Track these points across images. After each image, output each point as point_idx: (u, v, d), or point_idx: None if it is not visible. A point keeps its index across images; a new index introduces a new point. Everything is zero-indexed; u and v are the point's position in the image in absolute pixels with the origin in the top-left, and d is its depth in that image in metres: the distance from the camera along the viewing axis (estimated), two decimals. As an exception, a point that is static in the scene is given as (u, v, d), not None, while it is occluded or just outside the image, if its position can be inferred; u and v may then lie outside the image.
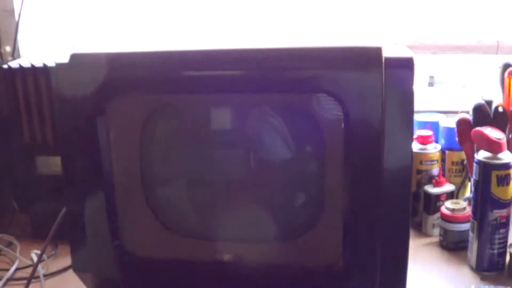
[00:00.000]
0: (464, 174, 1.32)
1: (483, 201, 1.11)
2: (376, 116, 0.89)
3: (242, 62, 0.94)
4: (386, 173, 0.92)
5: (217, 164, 1.02)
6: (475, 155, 1.12)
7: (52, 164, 1.37)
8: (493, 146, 1.10)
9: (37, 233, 1.35)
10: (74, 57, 0.97)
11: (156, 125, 1.01)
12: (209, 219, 1.03)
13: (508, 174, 1.09)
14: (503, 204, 1.10)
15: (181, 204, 1.06)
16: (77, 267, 1.07)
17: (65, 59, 0.99)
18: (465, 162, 1.29)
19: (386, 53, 0.90)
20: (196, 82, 0.95)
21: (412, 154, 0.93)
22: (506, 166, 1.09)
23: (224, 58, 0.95)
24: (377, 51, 0.89)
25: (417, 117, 1.38)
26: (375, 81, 0.88)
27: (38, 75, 1.33)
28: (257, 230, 1.02)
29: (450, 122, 1.33)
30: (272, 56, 0.93)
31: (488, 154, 1.10)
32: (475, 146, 1.17)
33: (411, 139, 0.93)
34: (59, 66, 0.99)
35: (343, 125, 0.92)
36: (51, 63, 1.31)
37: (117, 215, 1.03)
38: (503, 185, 1.09)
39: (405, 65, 0.89)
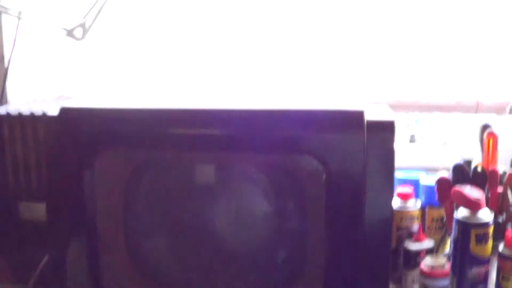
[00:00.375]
0: (444, 230, 1.34)
1: (462, 258, 1.13)
2: (358, 175, 0.92)
3: (225, 122, 0.96)
4: (367, 229, 0.94)
5: (199, 218, 1.04)
6: (455, 214, 1.14)
7: (35, 210, 1.37)
8: (472, 205, 1.12)
9: (17, 280, 1.35)
10: (63, 110, 0.99)
11: (140, 179, 1.03)
12: (190, 273, 1.04)
13: (487, 233, 1.11)
14: (481, 262, 1.12)
15: (163, 257, 1.07)
16: (58, 317, 1.07)
17: (54, 112, 1.01)
18: (444, 220, 1.30)
19: (368, 116, 0.92)
20: (181, 140, 0.98)
21: (392, 212, 0.96)
22: (484, 225, 1.11)
23: (207, 117, 0.98)
24: (359, 114, 0.91)
25: (397, 174, 1.40)
26: (357, 143, 0.91)
27: (25, 122, 1.34)
28: (239, 285, 1.03)
29: (430, 179, 1.35)
30: (255, 117, 0.96)
31: (467, 213, 1.12)
32: (455, 204, 1.19)
33: (391, 197, 0.95)
34: (48, 118, 1.01)
35: (324, 184, 0.94)
36: (38, 112, 1.33)
37: (99, 266, 1.04)
38: (481, 244, 1.11)
39: (387, 128, 0.92)
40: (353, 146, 0.91)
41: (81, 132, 0.98)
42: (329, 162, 0.92)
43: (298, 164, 0.95)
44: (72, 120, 0.98)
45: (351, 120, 0.92)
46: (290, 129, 0.94)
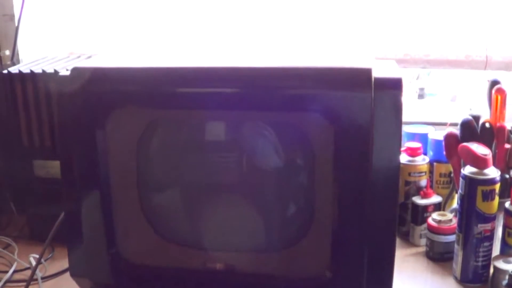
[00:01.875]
0: (451, 186, 1.36)
1: (469, 215, 1.14)
2: (365, 132, 0.93)
3: (235, 81, 0.97)
4: (374, 184, 0.95)
5: (210, 174, 1.05)
6: (462, 170, 1.15)
7: (49, 168, 1.40)
8: (479, 162, 1.13)
9: (35, 235, 1.39)
10: (74, 71, 1.00)
11: (152, 137, 1.04)
12: (202, 228, 1.06)
13: (493, 189, 1.12)
14: (488, 218, 1.14)
15: (175, 213, 1.09)
16: (74, 273, 1.10)
17: (64, 70, 1.02)
18: (452, 175, 1.32)
19: (376, 73, 0.93)
20: (190, 98, 0.98)
21: (399, 168, 0.97)
22: (491, 181, 1.12)
23: (217, 75, 0.99)
24: (367, 72, 0.92)
25: (406, 129, 1.42)
26: (365, 101, 0.91)
27: (37, 81, 1.36)
28: (249, 240, 1.06)
29: (438, 134, 1.36)
30: (264, 75, 0.97)
31: (474, 169, 1.14)
32: (462, 160, 1.20)
33: (398, 154, 0.96)
34: (60, 78, 1.02)
35: (332, 140, 0.95)
36: (49, 70, 1.34)
37: (113, 223, 1.06)
38: (488, 200, 1.12)
39: (394, 86, 0.93)
40: (360, 104, 0.91)
41: (92, 91, 0.99)
42: (336, 119, 0.92)
43: (306, 121, 0.96)
44: (84, 79, 0.99)
45: (358, 78, 0.92)
46: (298, 86, 0.95)
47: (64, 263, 1.19)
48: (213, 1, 1.61)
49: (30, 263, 1.26)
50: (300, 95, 0.95)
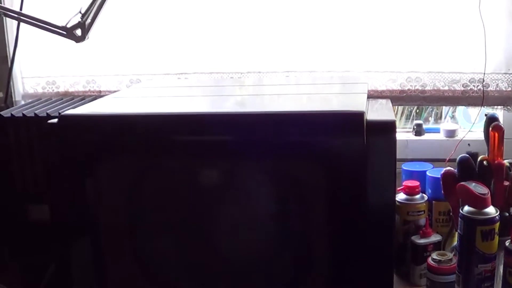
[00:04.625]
0: (451, 224, 1.33)
1: (468, 255, 1.12)
2: (359, 175, 0.91)
3: (227, 128, 0.96)
4: (370, 226, 0.94)
5: (203, 223, 1.03)
6: (460, 210, 1.13)
7: (44, 212, 1.38)
8: (478, 202, 1.11)
9: (28, 282, 1.36)
10: (62, 118, 0.99)
11: (143, 185, 1.02)
12: (194, 276, 1.04)
13: (493, 229, 1.10)
14: (488, 259, 1.11)
15: (167, 261, 1.07)
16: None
17: (56, 114, 1.01)
18: (451, 214, 1.30)
19: (369, 116, 0.92)
20: (182, 146, 0.97)
21: (394, 208, 0.96)
22: (490, 221, 1.10)
23: (210, 123, 0.97)
24: (359, 116, 0.91)
25: (404, 166, 1.40)
26: (357, 145, 0.90)
27: (30, 124, 1.35)
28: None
29: (436, 172, 1.34)
30: (258, 122, 0.95)
31: (472, 209, 1.12)
32: (460, 200, 1.18)
33: (393, 194, 0.95)
34: (49, 125, 1.01)
35: (326, 185, 0.94)
36: (42, 114, 1.33)
37: (104, 270, 1.04)
38: (487, 240, 1.10)
39: (387, 129, 0.92)
40: (353, 148, 0.90)
41: (80, 139, 0.98)
42: (329, 164, 0.91)
43: (299, 168, 0.95)
44: (72, 127, 0.98)
45: (351, 122, 0.91)
46: (291, 132, 0.94)
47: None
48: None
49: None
50: (292, 141, 0.94)
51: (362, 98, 1.02)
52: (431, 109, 1.73)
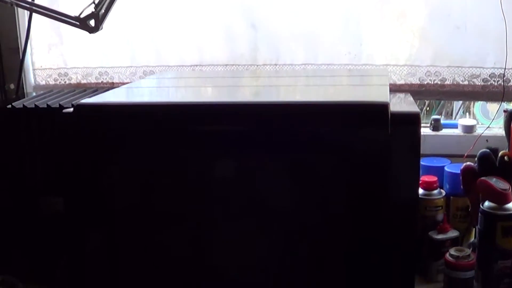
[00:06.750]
0: (469, 220, 1.32)
1: (488, 251, 1.10)
2: (383, 167, 0.90)
3: (250, 118, 0.94)
4: (391, 222, 0.92)
5: (219, 213, 1.01)
6: (480, 205, 1.11)
7: (55, 204, 1.36)
8: (499, 197, 1.10)
9: (41, 275, 1.35)
10: (78, 107, 0.97)
11: (159, 174, 1.01)
12: (209, 267, 1.03)
13: (514, 225, 1.08)
14: (508, 255, 1.10)
15: (181, 251, 1.05)
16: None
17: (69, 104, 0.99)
18: (470, 209, 1.28)
19: (393, 107, 0.90)
20: (200, 136, 0.95)
21: (418, 203, 0.94)
22: (511, 216, 1.08)
23: (227, 112, 0.95)
24: (384, 107, 0.89)
25: (422, 162, 1.38)
26: (382, 136, 0.88)
27: (42, 115, 1.33)
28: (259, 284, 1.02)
29: (455, 167, 1.32)
30: (278, 113, 0.93)
31: (493, 204, 1.10)
32: (480, 195, 1.16)
33: (417, 189, 0.93)
34: (64, 115, 0.99)
35: (348, 178, 0.92)
36: (55, 104, 1.32)
37: (117, 263, 1.03)
38: (509, 236, 1.09)
39: (412, 121, 0.90)
40: (378, 140, 0.88)
41: (97, 128, 0.96)
42: (352, 157, 0.89)
43: (320, 160, 0.92)
44: (88, 117, 0.96)
45: (375, 113, 0.89)
46: (312, 123, 0.91)
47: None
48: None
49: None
50: (313, 132, 0.92)
51: (385, 89, 1.00)
52: (442, 106, 1.72)
